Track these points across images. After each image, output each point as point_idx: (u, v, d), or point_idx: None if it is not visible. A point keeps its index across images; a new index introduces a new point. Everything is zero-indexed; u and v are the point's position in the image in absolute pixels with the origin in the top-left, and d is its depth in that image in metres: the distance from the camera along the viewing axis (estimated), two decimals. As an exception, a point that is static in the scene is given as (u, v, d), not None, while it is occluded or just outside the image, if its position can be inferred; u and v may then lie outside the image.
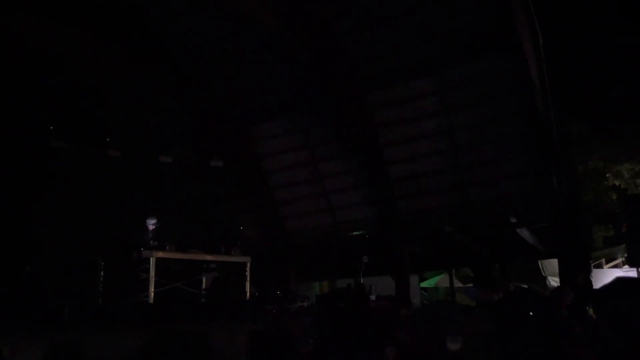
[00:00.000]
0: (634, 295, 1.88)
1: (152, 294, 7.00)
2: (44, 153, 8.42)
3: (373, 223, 12.69)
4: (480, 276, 13.70)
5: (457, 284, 19.66)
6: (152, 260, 7.15)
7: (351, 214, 12.90)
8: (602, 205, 14.19)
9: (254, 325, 6.34)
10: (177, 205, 9.27)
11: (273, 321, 6.65)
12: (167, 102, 11.85)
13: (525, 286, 12.63)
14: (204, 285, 8.69)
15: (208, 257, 8.38)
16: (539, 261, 16.02)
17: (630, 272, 10.36)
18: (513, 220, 11.76)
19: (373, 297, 9.86)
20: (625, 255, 12.58)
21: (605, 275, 12.40)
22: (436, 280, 21.65)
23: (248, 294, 8.50)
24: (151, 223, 7.80)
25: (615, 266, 14.31)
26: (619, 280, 2.17)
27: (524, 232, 12.80)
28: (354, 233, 13.19)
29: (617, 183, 13.88)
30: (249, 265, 8.64)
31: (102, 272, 7.52)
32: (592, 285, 8.01)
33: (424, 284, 20.91)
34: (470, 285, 20.98)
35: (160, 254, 7.39)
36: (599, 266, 13.86)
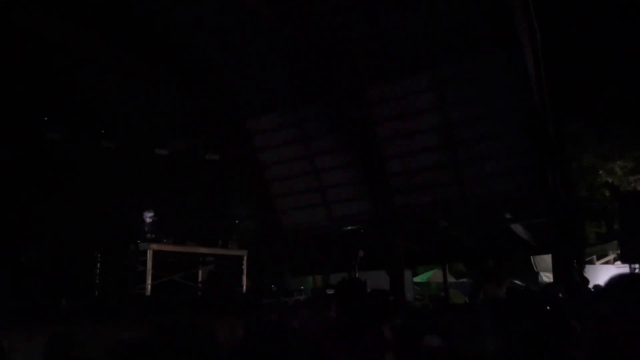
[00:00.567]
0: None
1: (149, 287, 6.98)
2: (39, 145, 8.35)
3: (368, 218, 12.72)
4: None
5: (450, 279, 19.77)
6: (149, 253, 7.13)
7: (346, 208, 12.91)
8: (595, 202, 14.33)
9: (251, 318, 6.35)
10: (174, 198, 9.23)
11: (270, 314, 6.66)
12: (163, 95, 11.78)
13: (518, 282, 12.72)
14: (200, 278, 8.68)
15: (205, 250, 8.36)
16: (532, 257, 16.15)
17: (622, 269, 10.48)
18: (508, 216, 11.84)
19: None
20: (618, 252, 12.72)
21: (596, 272, 12.55)
22: (428, 276, 21.75)
23: (245, 287, 8.50)
24: (148, 216, 7.77)
25: (607, 262, 14.48)
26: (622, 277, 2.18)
27: (518, 228, 12.90)
28: (349, 227, 13.22)
29: (610, 180, 14.01)
30: (245, 258, 8.64)
31: (99, 264, 7.48)
32: (588, 282, 8.10)
33: (416, 279, 21.00)
34: (464, 280, 21.12)
35: (158, 247, 7.37)
36: (591, 262, 14.00)
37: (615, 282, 1.92)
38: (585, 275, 10.38)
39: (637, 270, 8.55)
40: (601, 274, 11.60)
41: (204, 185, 10.24)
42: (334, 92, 11.49)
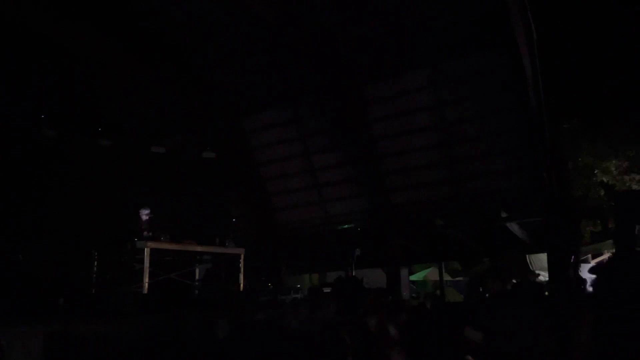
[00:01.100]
0: None
1: (147, 285, 6.98)
2: (35, 142, 8.31)
3: (364, 216, 12.74)
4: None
5: (446, 277, 19.85)
6: (146, 251, 7.12)
7: (343, 206, 12.93)
8: (590, 201, 14.38)
9: (249, 316, 6.36)
10: (170, 196, 9.21)
11: (268, 312, 6.67)
12: (159, 92, 11.73)
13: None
14: (197, 277, 8.67)
15: (202, 248, 8.35)
16: (527, 255, 16.22)
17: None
18: (504, 214, 11.89)
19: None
20: (612, 250, 12.78)
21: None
22: (425, 274, 21.84)
23: (242, 285, 8.50)
24: (145, 213, 7.76)
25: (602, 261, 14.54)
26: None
27: (514, 227, 12.95)
28: (346, 226, 13.24)
29: (605, 179, 14.06)
30: (242, 256, 8.64)
31: (96, 263, 7.46)
32: (584, 280, 8.15)
33: (412, 277, 21.07)
34: (460, 278, 21.19)
35: (155, 245, 7.36)
36: (586, 261, 14.06)
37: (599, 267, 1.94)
38: (580, 274, 10.44)
39: None
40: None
41: (201, 183, 10.22)
42: (331, 90, 11.50)
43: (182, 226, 8.77)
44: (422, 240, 14.63)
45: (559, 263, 10.39)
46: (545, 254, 12.20)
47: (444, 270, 18.57)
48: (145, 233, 7.48)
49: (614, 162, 13.92)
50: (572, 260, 10.26)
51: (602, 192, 14.34)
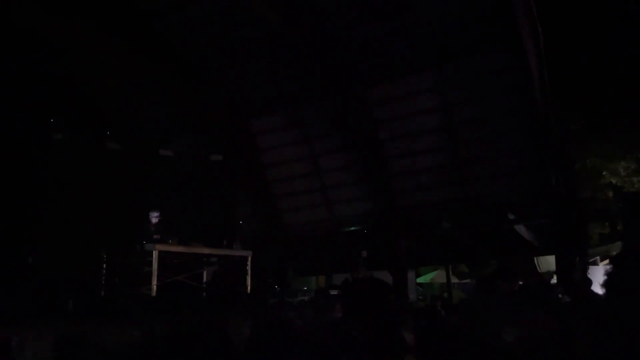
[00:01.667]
0: None
1: (155, 287, 7.02)
2: (45, 145, 8.40)
3: (371, 218, 12.74)
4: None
5: (453, 279, 19.78)
6: (154, 254, 7.17)
7: (349, 208, 12.94)
8: (598, 202, 14.31)
9: (256, 318, 6.38)
10: (178, 199, 9.27)
11: (275, 315, 6.68)
12: (166, 96, 11.82)
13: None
14: (204, 279, 8.71)
15: (209, 251, 8.39)
16: (535, 258, 16.14)
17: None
18: (511, 216, 11.85)
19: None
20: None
21: (600, 273, 12.52)
22: (431, 276, 21.77)
23: (249, 287, 8.53)
24: (154, 216, 7.82)
25: (610, 263, 14.43)
26: None
27: (521, 229, 12.90)
28: (352, 228, 13.25)
29: (613, 181, 13.99)
30: (250, 259, 8.67)
31: (105, 265, 7.53)
32: (590, 283, 8.09)
33: (419, 280, 21.02)
34: (467, 281, 21.12)
35: (163, 247, 7.41)
36: (594, 263, 13.98)
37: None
38: (589, 276, 10.37)
39: None
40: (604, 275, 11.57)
41: (208, 186, 10.27)
42: (336, 92, 11.52)
43: (189, 229, 8.82)
44: (429, 243, 14.59)
45: (567, 265, 10.35)
46: (553, 256, 12.14)
47: (450, 273, 18.52)
48: (155, 236, 7.55)
49: (622, 163, 13.85)
50: (578, 262, 10.20)
51: (611, 194, 14.27)
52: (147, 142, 10.10)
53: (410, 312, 4.23)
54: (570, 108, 13.56)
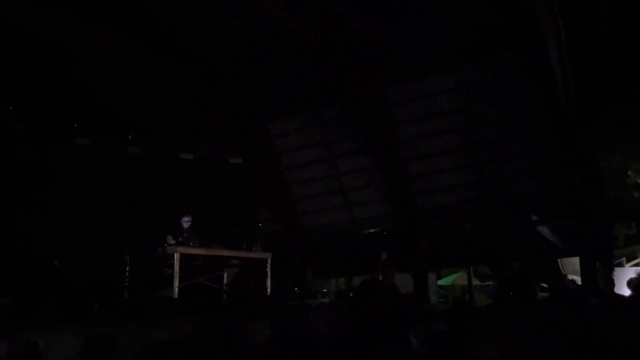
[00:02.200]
0: None
1: (177, 289, 7.11)
2: (69, 150, 8.58)
3: (391, 220, 12.68)
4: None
5: (475, 282, 19.53)
6: (176, 256, 7.25)
7: (369, 210, 12.90)
8: (623, 202, 13.98)
9: (276, 320, 6.40)
10: (198, 202, 9.37)
11: (295, 317, 6.70)
12: (186, 100, 11.96)
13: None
14: (225, 281, 8.78)
15: (230, 253, 8.45)
16: (559, 259, 15.84)
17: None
18: (534, 217, 11.66)
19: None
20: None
21: (626, 274, 12.23)
22: (453, 278, 21.52)
23: (269, 289, 8.56)
24: (185, 220, 7.97)
25: (637, 265, 14.11)
26: None
27: (544, 230, 12.66)
28: (372, 230, 13.20)
29: (639, 180, 13.67)
30: (269, 261, 8.70)
31: (128, 268, 7.65)
32: (614, 284, 7.92)
33: (440, 282, 20.80)
34: (489, 283, 20.83)
35: (184, 250, 7.49)
36: (620, 265, 13.68)
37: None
38: (614, 277, 10.15)
39: None
40: (630, 276, 11.31)
41: (228, 189, 10.35)
42: (355, 94, 11.50)
43: (210, 231, 8.90)
44: (450, 244, 14.44)
45: (591, 267, 10.13)
46: (577, 257, 11.91)
47: (472, 275, 18.27)
48: (180, 239, 7.70)
49: (647, 163, 13.52)
50: (602, 263, 9.97)
51: (636, 194, 13.94)
52: (168, 145, 10.22)
53: (430, 315, 4.17)
54: (595, 107, 13.29)
